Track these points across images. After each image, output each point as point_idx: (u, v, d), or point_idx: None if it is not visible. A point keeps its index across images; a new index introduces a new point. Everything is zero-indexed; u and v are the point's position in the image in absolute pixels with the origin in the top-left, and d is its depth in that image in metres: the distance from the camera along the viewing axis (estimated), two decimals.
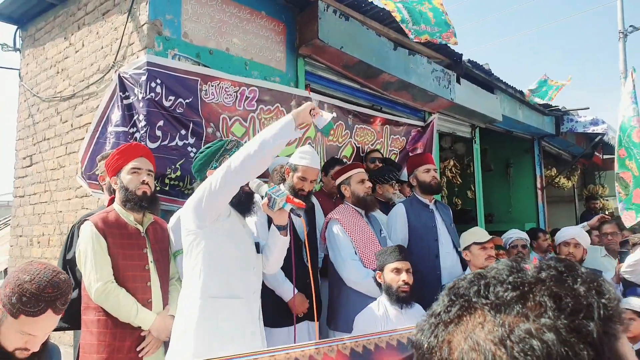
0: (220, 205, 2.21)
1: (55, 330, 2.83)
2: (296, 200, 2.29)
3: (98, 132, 3.47)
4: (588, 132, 8.02)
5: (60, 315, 1.61)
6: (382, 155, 4.69)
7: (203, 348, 2.09)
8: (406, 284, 2.71)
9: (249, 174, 2.16)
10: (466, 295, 0.54)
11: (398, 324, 2.64)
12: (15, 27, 5.15)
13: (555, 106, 7.82)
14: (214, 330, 2.13)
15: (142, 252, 2.55)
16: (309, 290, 2.67)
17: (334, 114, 2.49)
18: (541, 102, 7.18)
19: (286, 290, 2.83)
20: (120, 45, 3.64)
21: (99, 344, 2.41)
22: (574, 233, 4.05)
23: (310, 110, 2.18)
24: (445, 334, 0.53)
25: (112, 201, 2.72)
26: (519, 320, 0.49)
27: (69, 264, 3.01)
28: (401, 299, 2.69)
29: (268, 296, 2.87)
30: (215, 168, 2.36)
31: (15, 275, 1.56)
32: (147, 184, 2.56)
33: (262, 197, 2.30)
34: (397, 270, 2.75)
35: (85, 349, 2.46)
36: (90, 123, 3.96)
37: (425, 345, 0.54)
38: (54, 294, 1.56)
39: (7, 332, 1.56)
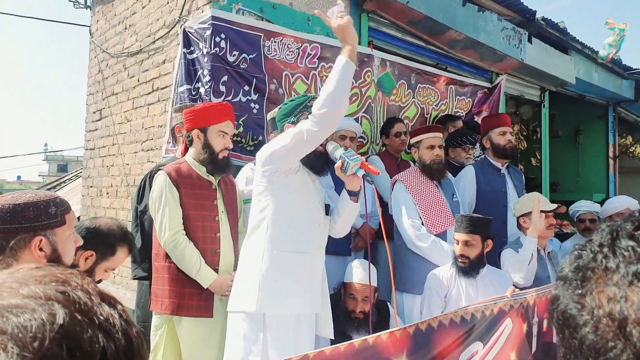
0: (296, 160, 2.22)
1: (138, 279, 3.00)
2: (371, 167, 2.19)
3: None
4: None
5: None
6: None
7: (267, 299, 2.12)
8: (462, 256, 2.63)
9: (327, 130, 2.13)
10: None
11: (467, 289, 2.62)
12: None
13: (637, 69, 7.22)
14: (280, 283, 2.15)
15: (212, 204, 2.59)
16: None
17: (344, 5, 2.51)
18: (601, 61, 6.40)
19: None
20: (185, 0, 3.65)
21: (170, 290, 2.49)
22: (627, 202, 3.78)
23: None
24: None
25: (184, 152, 2.71)
26: None
27: (139, 215, 3.13)
28: (460, 269, 2.65)
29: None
30: (293, 123, 2.27)
31: None
32: (228, 149, 2.59)
33: (337, 160, 2.24)
34: (466, 243, 2.64)
35: (157, 294, 2.54)
36: (156, 78, 4.05)
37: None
38: None
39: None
